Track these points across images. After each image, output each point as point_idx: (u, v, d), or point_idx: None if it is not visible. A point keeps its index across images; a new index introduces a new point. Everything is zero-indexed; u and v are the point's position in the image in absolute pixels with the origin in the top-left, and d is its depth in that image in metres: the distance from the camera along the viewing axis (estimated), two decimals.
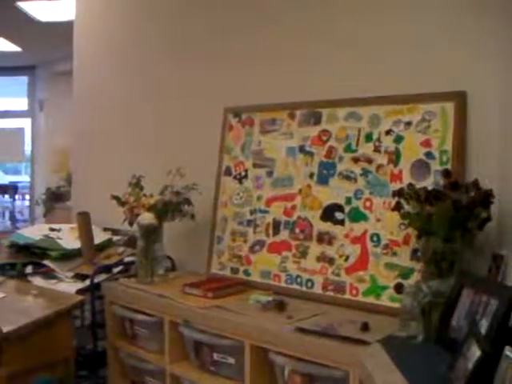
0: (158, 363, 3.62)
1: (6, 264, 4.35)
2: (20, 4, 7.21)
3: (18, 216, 11.71)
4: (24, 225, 11.15)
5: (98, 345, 4.00)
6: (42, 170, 11.02)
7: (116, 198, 3.91)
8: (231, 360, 3.20)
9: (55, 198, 9.22)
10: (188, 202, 3.83)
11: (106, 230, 4.56)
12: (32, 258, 4.27)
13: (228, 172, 3.99)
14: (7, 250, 4.48)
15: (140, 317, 3.68)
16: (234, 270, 3.84)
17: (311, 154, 3.58)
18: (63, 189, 9.15)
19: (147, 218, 3.71)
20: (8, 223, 11.59)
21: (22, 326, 3.32)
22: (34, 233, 4.54)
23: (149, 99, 4.66)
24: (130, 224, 3.85)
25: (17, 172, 14.46)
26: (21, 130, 11.20)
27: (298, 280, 3.52)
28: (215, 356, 3.27)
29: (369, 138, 3.36)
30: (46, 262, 4.19)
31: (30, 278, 4.17)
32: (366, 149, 3.36)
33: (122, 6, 4.97)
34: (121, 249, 4.28)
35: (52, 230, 4.57)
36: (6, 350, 3.29)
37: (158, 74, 4.60)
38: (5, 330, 3.23)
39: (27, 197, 11.81)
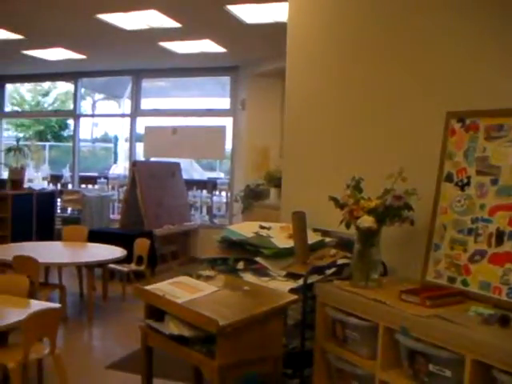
0: (369, 369, 3.58)
1: (218, 259, 4.46)
2: (229, 7, 7.42)
3: (215, 211, 12.07)
4: (222, 220, 11.50)
5: (305, 344, 4.01)
6: (240, 167, 11.33)
7: (334, 199, 3.89)
8: (448, 373, 3.09)
9: (254, 196, 9.40)
10: (408, 207, 3.74)
11: (315, 230, 4.55)
12: (245, 254, 4.36)
13: (449, 178, 3.85)
14: (218, 245, 4.59)
15: (353, 320, 3.64)
16: (451, 280, 3.70)
17: None
18: (262, 187, 9.32)
19: (367, 221, 3.67)
20: (206, 218, 11.98)
21: (238, 320, 3.39)
22: (244, 229, 4.62)
23: (366, 100, 4.61)
24: (347, 226, 3.81)
25: (211, 168, 14.89)
26: (223, 128, 11.54)
27: None
28: (431, 367, 3.17)
29: None
30: (258, 259, 4.25)
31: (241, 274, 4.26)
32: None
33: (339, 6, 4.94)
34: (333, 250, 4.26)
35: (262, 227, 4.64)
36: (220, 342, 3.38)
37: (377, 74, 4.54)
38: (220, 323, 3.30)
39: (223, 193, 12.14)
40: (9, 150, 11.49)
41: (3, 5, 7.58)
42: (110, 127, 17.44)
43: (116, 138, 16.57)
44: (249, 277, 4.20)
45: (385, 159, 4.29)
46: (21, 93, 17.89)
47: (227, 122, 11.66)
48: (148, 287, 4.04)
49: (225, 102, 11.97)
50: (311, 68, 5.14)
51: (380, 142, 4.47)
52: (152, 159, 12.22)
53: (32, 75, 13.40)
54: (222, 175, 13.67)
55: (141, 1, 7.31)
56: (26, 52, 10.44)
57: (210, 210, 12.17)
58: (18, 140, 12.30)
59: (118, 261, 7.62)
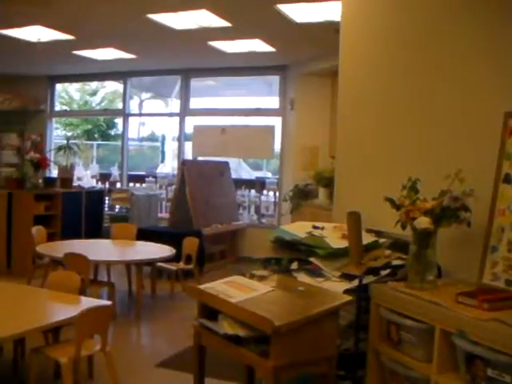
0: (424, 372, 3.52)
1: (272, 259, 4.45)
2: (279, 6, 7.41)
3: (264, 211, 12.07)
4: (270, 220, 11.51)
5: (359, 346, 3.98)
6: (289, 166, 11.30)
7: (390, 200, 3.85)
8: (508, 378, 3.01)
9: (302, 196, 9.39)
10: (466, 208, 3.68)
11: (368, 231, 4.50)
12: (298, 254, 4.33)
13: (507, 179, 3.77)
14: (271, 245, 4.58)
15: (408, 322, 3.59)
16: (509, 282, 3.62)
17: None
18: (310, 187, 9.30)
19: (424, 222, 3.62)
20: (254, 217, 11.98)
21: (293, 321, 3.37)
22: (297, 229, 4.59)
23: (421, 100, 4.54)
24: (403, 227, 3.77)
25: (257, 168, 14.89)
26: (271, 128, 11.55)
27: None
28: (489, 372, 3.10)
29: None
30: (312, 259, 4.23)
31: (294, 274, 4.24)
32: None
33: (393, 6, 4.88)
34: (387, 251, 4.21)
35: (315, 227, 4.61)
36: (275, 343, 3.35)
37: (432, 73, 4.47)
38: (276, 323, 3.28)
39: (271, 193, 12.13)
40: (59, 148, 11.62)
41: (54, 6, 7.67)
42: (157, 126, 17.56)
43: (163, 137, 16.66)
44: (303, 277, 4.17)
45: (441, 159, 4.23)
46: (69, 92, 18.11)
47: (276, 122, 11.65)
48: (201, 286, 4.03)
49: (271, 102, 11.98)
50: (364, 67, 5.09)
51: (436, 141, 4.39)
52: (199, 158, 12.27)
53: (82, 75, 13.56)
54: (269, 175, 13.67)
55: (192, 0, 7.32)
56: (76, 52, 10.56)
57: (258, 209, 12.19)
58: (67, 139, 12.44)
59: (166, 259, 7.66)
